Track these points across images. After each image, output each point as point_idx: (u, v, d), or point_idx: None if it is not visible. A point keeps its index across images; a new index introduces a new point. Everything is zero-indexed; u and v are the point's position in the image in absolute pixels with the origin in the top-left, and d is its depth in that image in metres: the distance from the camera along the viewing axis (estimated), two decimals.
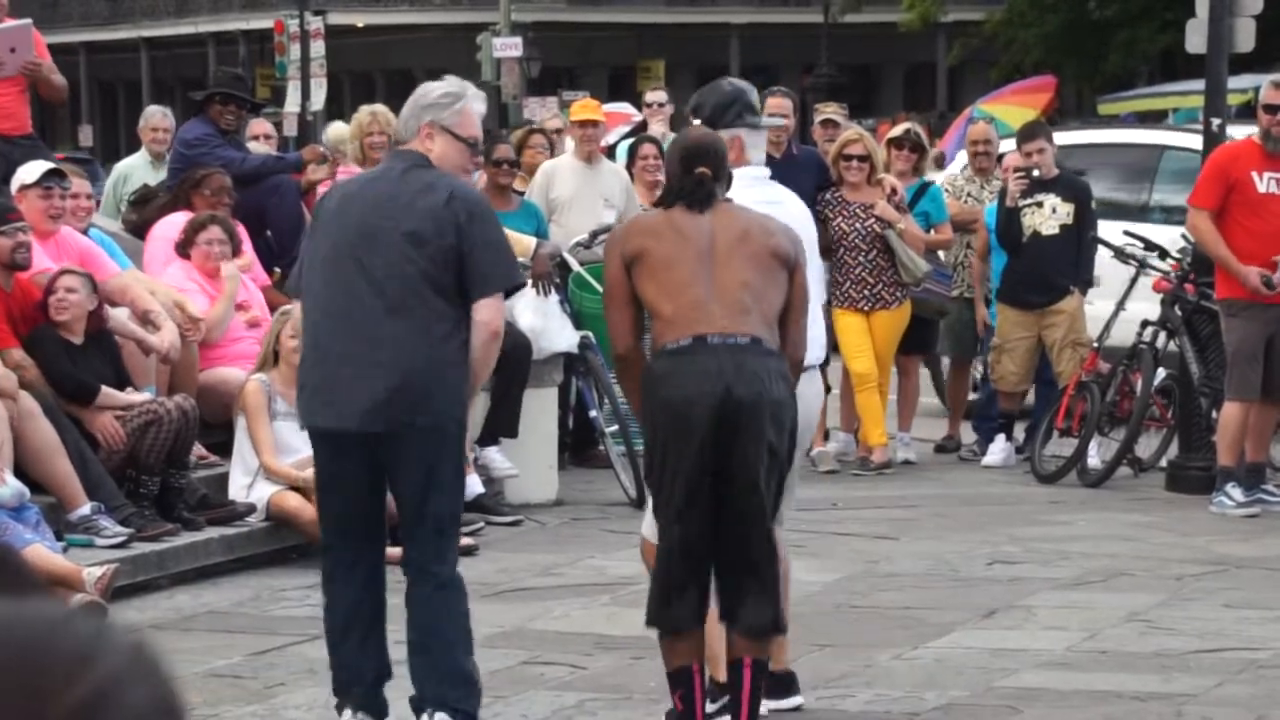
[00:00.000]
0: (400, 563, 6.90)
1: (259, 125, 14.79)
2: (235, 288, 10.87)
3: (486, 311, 6.63)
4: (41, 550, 8.46)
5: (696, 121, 7.21)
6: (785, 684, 7.07)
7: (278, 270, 11.75)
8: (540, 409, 11.46)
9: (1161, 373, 12.19)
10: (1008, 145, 13.70)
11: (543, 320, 11.49)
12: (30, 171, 10.29)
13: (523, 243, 11.09)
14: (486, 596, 8.79)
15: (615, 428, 11.61)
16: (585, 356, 11.79)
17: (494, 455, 11.13)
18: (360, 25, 55.13)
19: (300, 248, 7.17)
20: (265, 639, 8.34)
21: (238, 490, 9.98)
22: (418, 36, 55.42)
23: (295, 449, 9.81)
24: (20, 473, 8.99)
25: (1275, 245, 10.98)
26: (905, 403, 13.17)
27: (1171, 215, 13.84)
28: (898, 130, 13.78)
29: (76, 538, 9.16)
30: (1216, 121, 12.54)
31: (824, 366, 7.47)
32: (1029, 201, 12.57)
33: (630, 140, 14.58)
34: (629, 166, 13.45)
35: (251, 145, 13.36)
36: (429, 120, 6.73)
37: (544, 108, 33.22)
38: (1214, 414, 11.60)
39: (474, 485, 10.31)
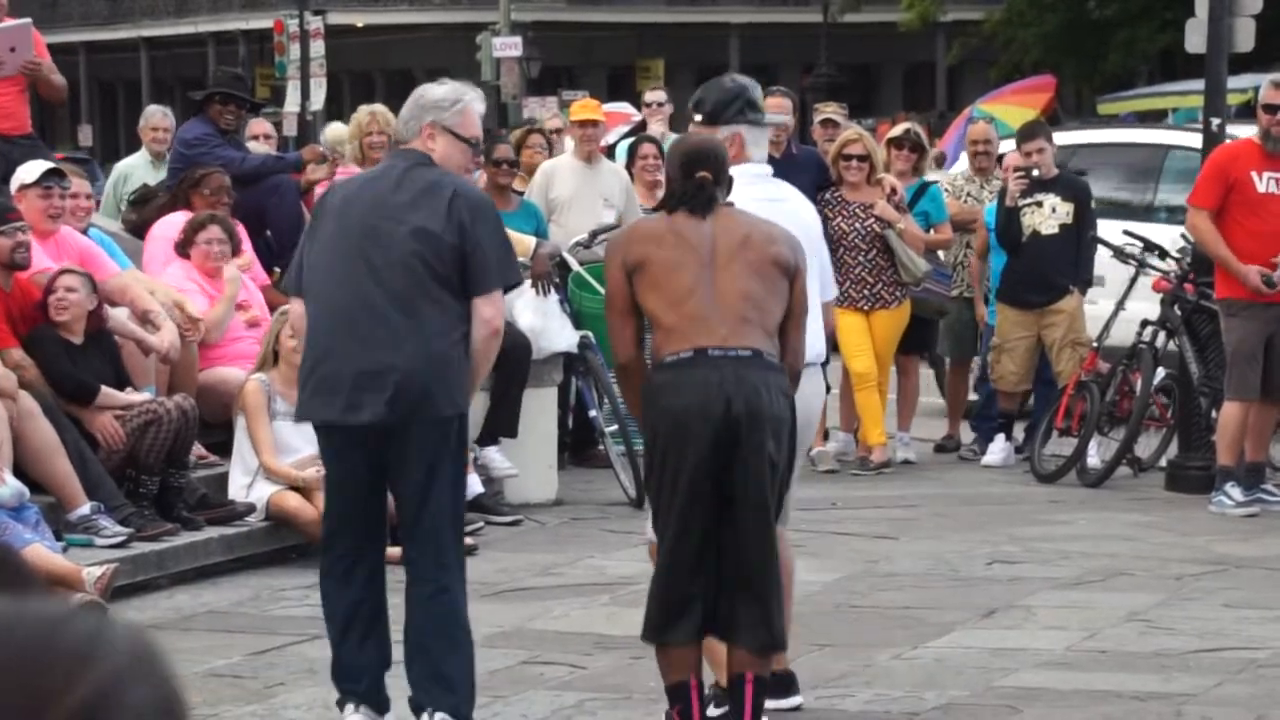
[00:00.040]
0: (401, 563, 6.90)
1: (259, 125, 14.80)
2: (236, 290, 10.88)
3: (488, 309, 6.65)
4: (41, 550, 8.46)
5: (698, 117, 7.20)
6: (785, 684, 7.06)
7: (277, 270, 11.75)
8: (540, 409, 11.46)
9: (1161, 372, 12.19)
10: (1008, 145, 13.70)
11: (542, 320, 11.48)
12: (30, 171, 10.28)
13: (522, 242, 11.09)
14: (486, 596, 8.79)
15: (615, 427, 11.61)
16: (585, 356, 11.79)
17: (493, 455, 11.13)
18: (360, 25, 55.13)
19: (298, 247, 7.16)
20: (265, 639, 8.34)
21: (237, 490, 9.98)
22: (417, 36, 55.41)
23: (295, 449, 9.81)
24: (20, 472, 8.99)
25: (1275, 245, 10.98)
26: (905, 402, 13.17)
27: (1176, 215, 13.83)
28: (897, 130, 13.78)
29: (76, 537, 9.16)
30: (1216, 121, 12.55)
31: (824, 365, 7.45)
32: (1028, 201, 12.57)
33: (630, 140, 14.58)
34: (628, 166, 13.45)
35: (251, 145, 13.36)
36: (431, 120, 6.75)
37: (544, 107, 33.21)
38: (1213, 414, 11.60)
39: (474, 485, 10.30)
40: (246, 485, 9.94)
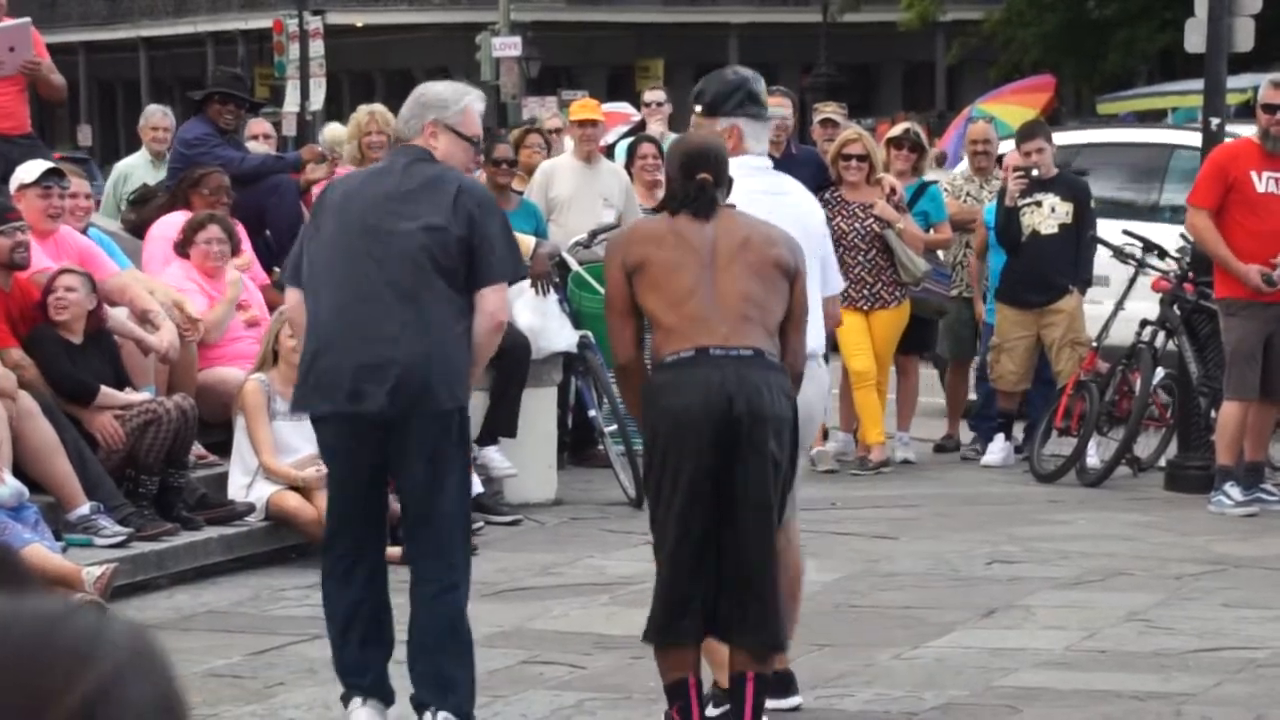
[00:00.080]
0: (403, 562, 6.90)
1: (258, 125, 14.79)
2: (238, 293, 10.88)
3: (492, 301, 6.66)
4: (40, 550, 8.46)
5: (698, 108, 7.18)
6: (784, 684, 7.06)
7: (277, 270, 11.75)
8: (539, 408, 11.46)
9: (1160, 372, 12.19)
10: (1008, 145, 13.69)
11: (542, 320, 11.48)
12: (29, 171, 10.28)
13: (522, 242, 11.06)
14: (485, 596, 8.78)
15: (614, 427, 11.61)
16: (584, 356, 11.79)
17: (493, 455, 11.13)
18: (359, 25, 55.13)
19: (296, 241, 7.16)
20: (264, 638, 8.34)
21: (237, 490, 9.98)
22: (417, 36, 55.42)
23: (295, 449, 9.81)
24: (19, 472, 8.99)
25: (1274, 244, 10.98)
26: (904, 402, 13.17)
27: (1181, 215, 13.80)
28: (897, 130, 13.78)
29: (75, 537, 9.16)
30: (1215, 121, 12.55)
31: (826, 358, 7.41)
32: (1028, 201, 12.58)
33: (629, 140, 14.59)
34: (628, 166, 13.45)
35: (250, 145, 13.36)
36: (433, 119, 6.76)
37: (543, 107, 33.21)
38: (1213, 413, 11.60)
39: (473, 485, 10.30)
40: (246, 485, 9.94)
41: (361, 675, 6.79)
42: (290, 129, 35.65)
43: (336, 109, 40.32)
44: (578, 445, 12.51)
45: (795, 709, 7.12)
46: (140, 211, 12.15)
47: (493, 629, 8.20)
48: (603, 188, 12.78)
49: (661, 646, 6.50)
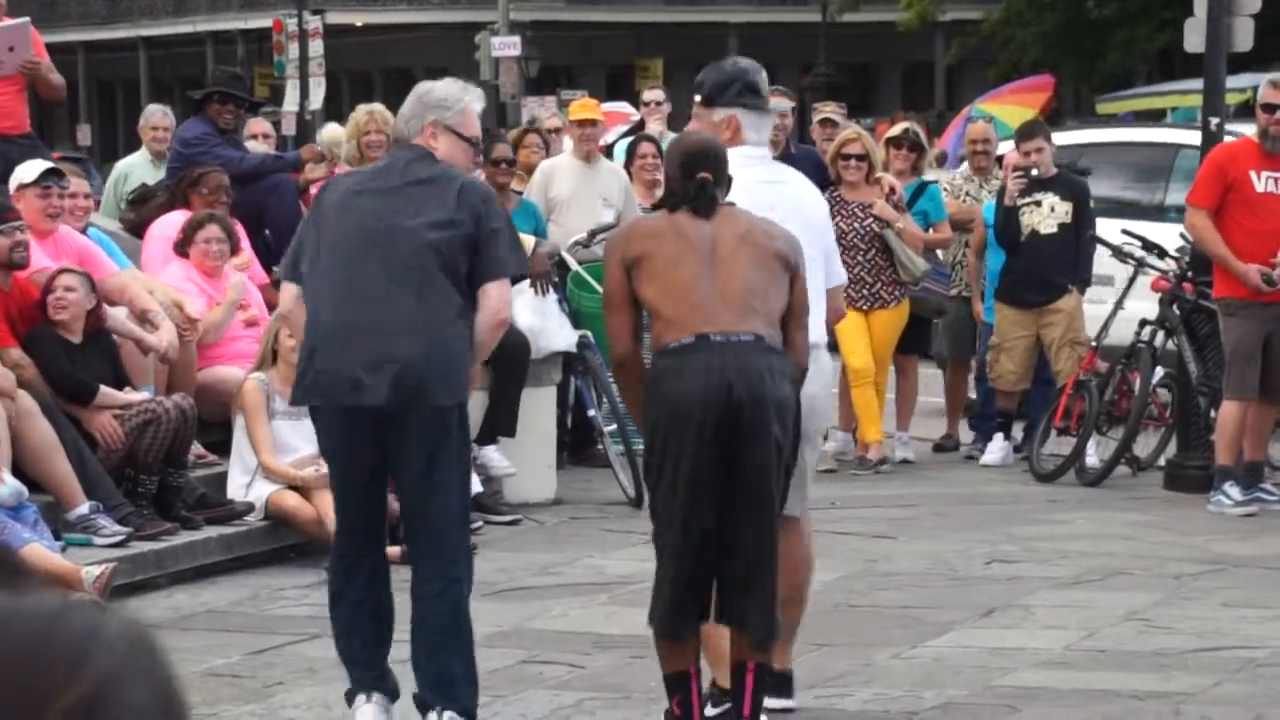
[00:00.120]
0: (403, 561, 6.90)
1: (257, 124, 14.79)
2: (239, 296, 10.88)
3: (495, 296, 6.66)
4: (40, 549, 8.46)
5: (697, 98, 7.17)
6: (781, 684, 7.05)
7: (276, 269, 11.75)
8: (538, 408, 11.46)
9: (1160, 372, 12.19)
10: (1008, 145, 13.69)
11: (541, 319, 11.48)
12: (28, 171, 10.28)
13: (521, 242, 11.08)
14: (485, 596, 8.77)
15: (613, 427, 11.61)
16: (584, 356, 11.79)
17: (492, 454, 11.12)
18: (359, 24, 55.14)
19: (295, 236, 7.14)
20: (264, 638, 8.34)
21: (236, 489, 9.98)
22: (416, 35, 55.42)
23: (294, 448, 9.82)
24: (18, 472, 8.99)
25: (1273, 244, 10.98)
26: (903, 402, 13.17)
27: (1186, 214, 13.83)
28: (896, 129, 13.77)
29: (75, 537, 9.16)
30: (1215, 121, 12.55)
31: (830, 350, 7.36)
32: (1027, 200, 12.58)
33: (629, 139, 14.59)
34: (627, 166, 13.46)
35: (250, 144, 13.36)
36: (433, 119, 6.77)
37: (542, 107, 33.21)
38: (1212, 413, 11.60)
39: (472, 484, 10.30)
40: (245, 484, 9.94)
41: (367, 669, 6.79)
42: (290, 128, 35.65)
43: (336, 108, 40.33)
44: (577, 445, 12.51)
45: (787, 710, 7.10)
46: (139, 211, 12.16)
47: (492, 629, 8.20)
48: (602, 187, 12.78)
49: (665, 635, 6.48)
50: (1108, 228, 12.81)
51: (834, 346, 11.92)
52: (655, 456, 6.46)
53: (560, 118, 17.02)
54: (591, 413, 11.95)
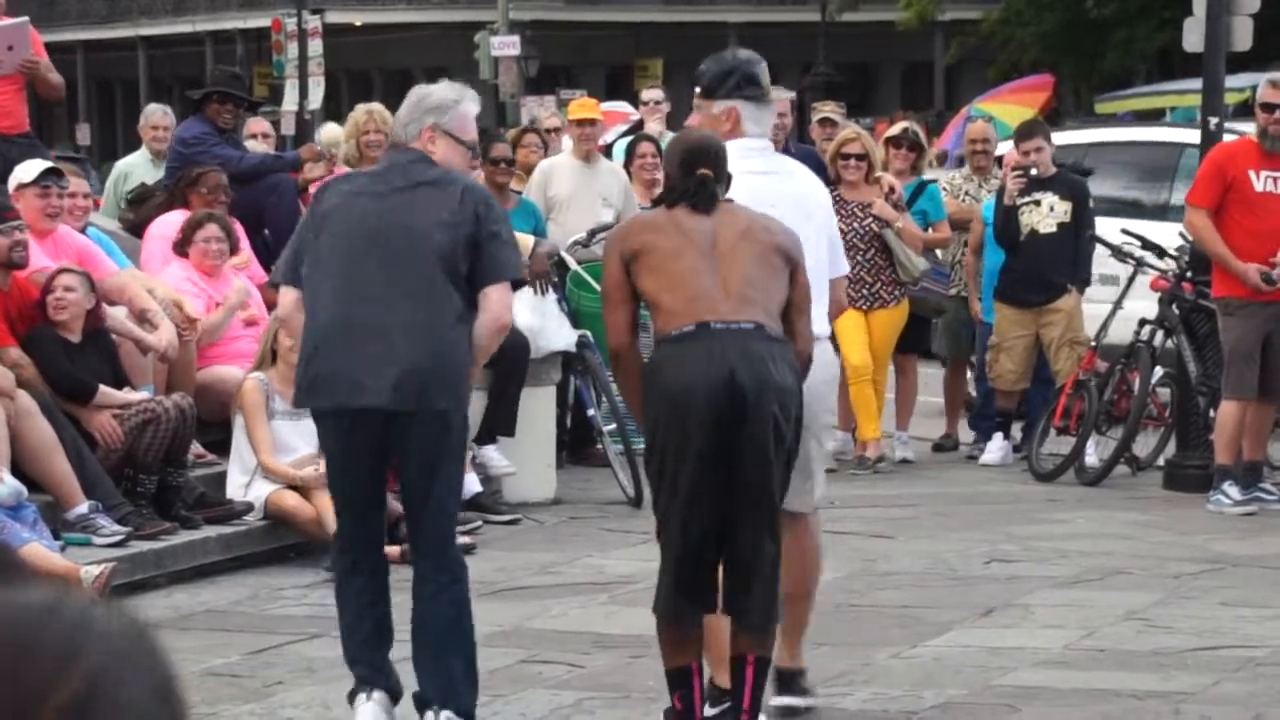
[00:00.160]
0: (407, 561, 6.90)
1: (257, 124, 14.79)
2: (240, 301, 10.88)
3: (496, 300, 6.67)
4: (39, 549, 8.46)
5: (697, 89, 7.15)
6: (794, 681, 7.01)
7: (274, 267, 11.75)
8: (538, 408, 11.46)
9: (1159, 371, 12.19)
10: (1007, 146, 13.69)
11: (540, 319, 11.48)
12: (28, 170, 10.28)
13: (521, 241, 11.07)
14: (484, 595, 8.77)
15: (613, 426, 11.61)
16: (583, 355, 11.79)
17: (491, 453, 11.12)
18: (358, 24, 55.13)
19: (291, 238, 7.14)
20: (263, 638, 8.33)
21: (235, 489, 9.98)
22: (415, 35, 55.42)
23: (293, 448, 9.81)
24: (18, 471, 8.99)
25: (1272, 243, 10.98)
26: (903, 401, 13.17)
27: None
28: (895, 129, 13.77)
29: (74, 536, 9.16)
30: (1214, 120, 12.55)
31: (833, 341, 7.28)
32: (1027, 200, 12.58)
33: (628, 139, 14.58)
34: (626, 165, 13.45)
35: (249, 144, 13.36)
36: (431, 123, 6.77)
37: (542, 106, 33.21)
38: (1211, 412, 11.60)
39: (472, 484, 10.30)
40: (244, 484, 9.94)
41: (369, 667, 6.79)
42: (289, 128, 35.64)
43: (335, 108, 40.33)
44: (576, 444, 12.51)
45: (791, 709, 7.07)
46: (138, 210, 12.16)
47: (492, 628, 8.19)
48: (601, 187, 12.78)
49: (669, 623, 6.47)
50: (1113, 227, 12.80)
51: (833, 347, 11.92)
52: (657, 443, 6.43)
53: (559, 117, 17.02)
54: (591, 412, 11.95)
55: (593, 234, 12.07)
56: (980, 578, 9.50)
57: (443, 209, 6.63)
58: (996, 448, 12.87)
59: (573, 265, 12.21)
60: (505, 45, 40.04)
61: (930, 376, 14.04)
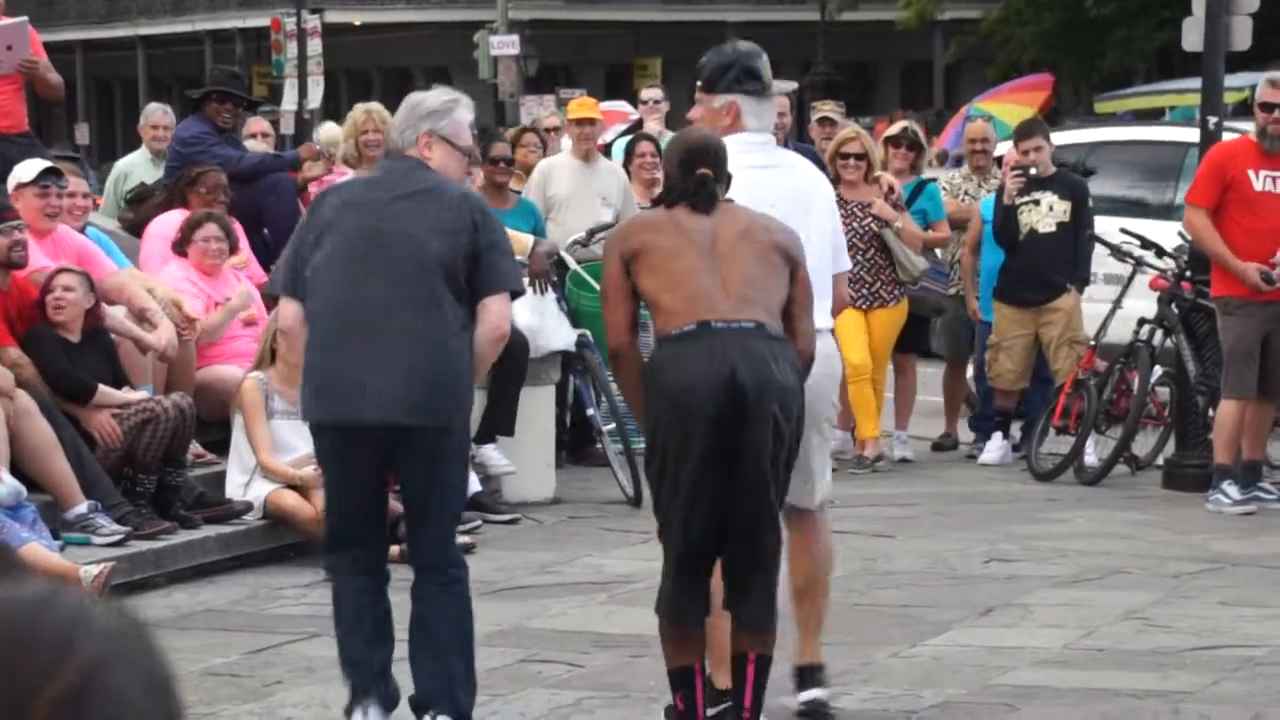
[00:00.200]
0: (407, 561, 6.90)
1: (256, 123, 14.80)
2: (242, 305, 10.88)
3: (495, 311, 6.66)
4: (38, 549, 8.46)
5: (699, 83, 7.13)
6: (813, 675, 6.99)
7: (274, 267, 11.75)
8: (537, 407, 11.46)
9: (1158, 370, 12.19)
10: (1007, 145, 13.68)
11: (540, 318, 11.48)
12: (27, 170, 10.28)
13: (520, 241, 11.08)
14: (484, 595, 8.76)
15: (612, 426, 11.61)
16: (582, 355, 11.79)
17: (491, 453, 11.12)
18: (357, 23, 55.12)
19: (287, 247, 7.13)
20: (262, 637, 8.33)
21: (235, 488, 9.98)
22: (415, 34, 55.42)
23: (292, 447, 9.81)
24: (17, 471, 8.99)
25: (1271, 243, 10.98)
26: (902, 401, 13.17)
27: None
28: (895, 128, 13.77)
29: (73, 536, 9.16)
30: (1213, 119, 12.55)
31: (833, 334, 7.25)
32: (1026, 199, 12.58)
33: (627, 138, 14.58)
34: (626, 165, 13.45)
35: (249, 143, 13.36)
36: (427, 130, 6.77)
37: (541, 106, 33.23)
38: (1210, 412, 11.60)
39: (471, 483, 10.29)
40: (244, 484, 9.94)
41: (365, 679, 6.77)
42: (288, 127, 35.65)
43: (334, 107, 40.34)
44: (576, 444, 12.51)
45: (819, 702, 7.00)
46: (138, 210, 12.16)
47: (491, 628, 8.19)
48: (601, 186, 12.78)
49: (671, 623, 6.46)
50: (1117, 227, 12.79)
51: None
52: (658, 443, 6.42)
53: (559, 117, 17.02)
54: (590, 412, 11.95)
55: (592, 233, 12.07)
56: (979, 577, 9.50)
57: (441, 217, 6.61)
58: (996, 447, 12.87)
59: (572, 265, 12.20)
60: (504, 44, 40.05)
61: (929, 376, 14.03)
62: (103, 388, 9.63)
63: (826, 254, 6.92)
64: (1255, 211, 11.05)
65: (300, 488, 9.74)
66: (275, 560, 9.81)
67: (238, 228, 11.31)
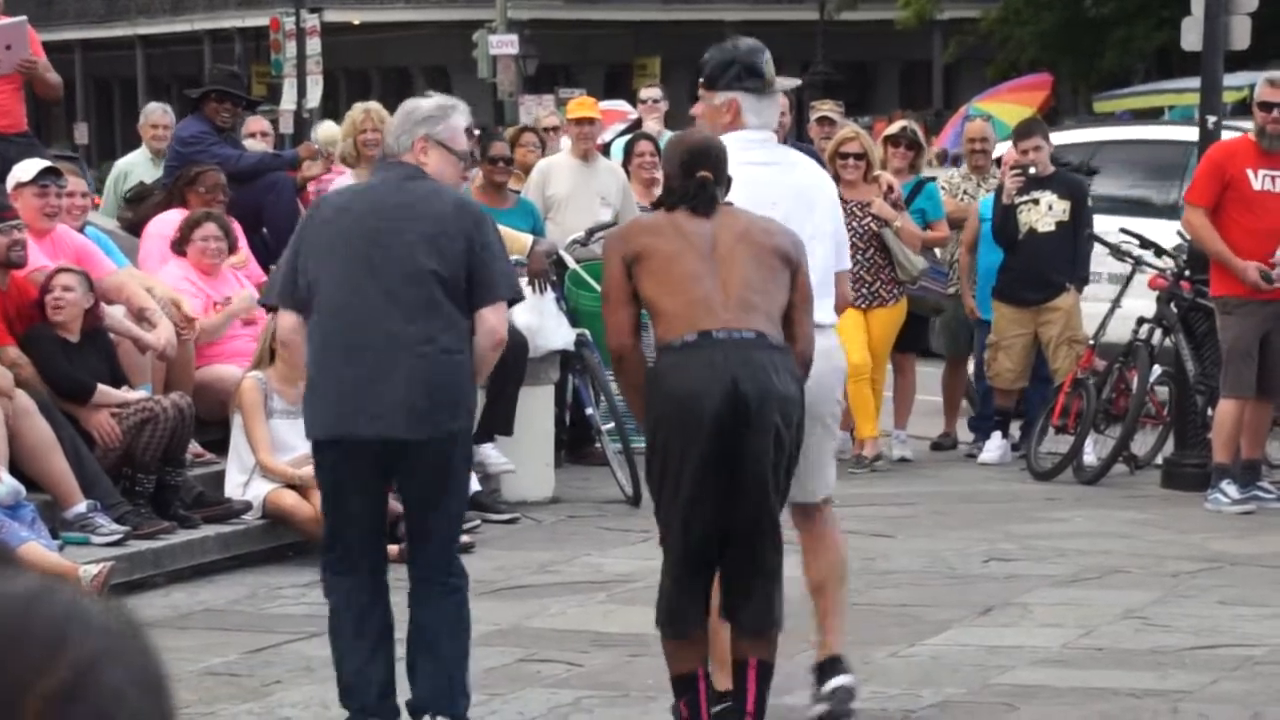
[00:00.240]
0: (405, 562, 6.89)
1: (255, 123, 14.80)
2: (242, 310, 10.88)
3: (493, 318, 6.65)
4: (37, 548, 8.46)
5: (701, 80, 7.12)
6: (834, 666, 6.98)
7: (274, 267, 11.74)
8: (536, 407, 11.46)
9: (1157, 370, 12.19)
10: (1006, 145, 13.68)
11: (539, 318, 11.48)
12: (26, 169, 10.28)
13: (519, 240, 11.09)
14: (483, 594, 8.77)
15: (611, 425, 11.62)
16: (581, 354, 11.79)
17: (489, 451, 11.11)
18: (356, 22, 55.12)
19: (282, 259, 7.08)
20: (261, 637, 8.33)
21: (234, 488, 9.98)
22: (414, 34, 55.41)
23: (291, 446, 9.81)
24: (16, 470, 8.99)
25: (1270, 242, 10.98)
26: (901, 400, 13.17)
27: None
28: (894, 128, 13.78)
29: (72, 536, 9.16)
30: (1212, 119, 12.55)
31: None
32: (1025, 199, 12.58)
33: (626, 138, 14.58)
34: (625, 164, 13.45)
35: (248, 143, 13.37)
36: (423, 134, 6.76)
37: (540, 105, 33.23)
38: (1209, 411, 11.60)
39: (470, 483, 10.29)
40: (243, 483, 9.94)
41: (365, 692, 6.73)
42: (287, 126, 35.66)
43: (333, 106, 40.33)
44: (575, 443, 12.51)
45: (846, 688, 6.97)
46: (136, 209, 12.16)
47: (490, 627, 8.19)
48: (600, 186, 12.78)
49: (672, 630, 6.47)
50: (1122, 226, 12.79)
51: None
52: (658, 453, 6.42)
53: (558, 116, 17.02)
54: (589, 411, 11.95)
55: (591, 233, 12.07)
56: (978, 576, 9.50)
57: (437, 224, 6.59)
58: (995, 446, 12.87)
59: (571, 264, 12.20)
60: (503, 44, 40.05)
61: (928, 375, 14.03)
62: (102, 387, 9.63)
63: (830, 252, 6.92)
64: (1254, 211, 11.05)
65: (299, 487, 9.74)
66: (274, 560, 9.81)
67: (237, 227, 11.31)
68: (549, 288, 11.67)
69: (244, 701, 7.36)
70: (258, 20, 50.15)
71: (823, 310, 6.76)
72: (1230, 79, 14.68)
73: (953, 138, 19.38)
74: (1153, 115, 24.62)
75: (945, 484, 12.24)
